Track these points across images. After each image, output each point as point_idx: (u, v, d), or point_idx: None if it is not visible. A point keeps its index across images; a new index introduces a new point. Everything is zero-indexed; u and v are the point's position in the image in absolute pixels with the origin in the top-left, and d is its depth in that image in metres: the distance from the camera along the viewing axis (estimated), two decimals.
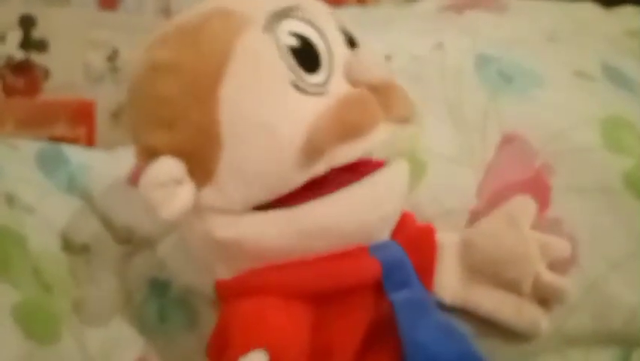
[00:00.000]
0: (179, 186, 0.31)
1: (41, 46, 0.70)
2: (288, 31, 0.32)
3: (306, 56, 0.32)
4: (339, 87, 0.32)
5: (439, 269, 0.39)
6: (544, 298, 0.38)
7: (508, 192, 0.41)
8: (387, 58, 0.50)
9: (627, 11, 0.53)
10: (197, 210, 0.32)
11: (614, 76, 0.45)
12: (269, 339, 0.30)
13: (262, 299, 0.31)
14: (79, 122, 0.73)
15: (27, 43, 0.69)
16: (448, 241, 0.39)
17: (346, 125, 0.31)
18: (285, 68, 0.31)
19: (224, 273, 0.34)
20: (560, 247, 0.38)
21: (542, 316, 0.37)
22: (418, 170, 0.42)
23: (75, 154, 0.54)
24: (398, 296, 0.33)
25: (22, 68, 0.69)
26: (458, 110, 0.44)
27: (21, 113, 0.70)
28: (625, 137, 0.41)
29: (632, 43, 0.49)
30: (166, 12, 0.73)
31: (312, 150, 0.30)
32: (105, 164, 0.53)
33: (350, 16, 0.58)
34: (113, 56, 0.72)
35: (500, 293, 0.38)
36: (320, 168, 0.31)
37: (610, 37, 0.49)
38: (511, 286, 0.37)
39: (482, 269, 0.38)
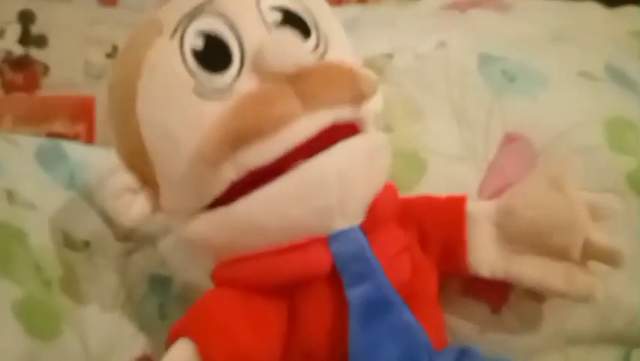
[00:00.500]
0: (136, 194, 0.34)
1: (40, 41, 0.69)
2: (196, 31, 0.31)
3: (212, 57, 0.31)
4: (248, 85, 0.31)
5: (474, 241, 0.36)
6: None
7: (509, 192, 0.40)
8: (390, 56, 0.50)
9: (631, 11, 0.53)
10: (168, 213, 0.35)
11: (618, 76, 0.45)
12: (201, 331, 0.31)
13: (218, 291, 0.34)
14: (78, 118, 0.73)
15: (26, 39, 0.69)
16: (481, 211, 0.37)
17: (237, 131, 0.30)
18: (187, 75, 0.31)
19: (204, 264, 0.36)
20: (610, 202, 0.36)
21: (597, 283, 0.35)
22: (418, 169, 0.42)
23: (75, 150, 0.54)
24: (354, 293, 0.32)
25: (21, 64, 0.69)
26: (461, 109, 0.44)
27: (20, 109, 0.70)
28: (628, 137, 0.41)
29: (636, 44, 0.49)
30: None
31: (205, 160, 0.30)
32: (105, 160, 0.53)
33: (351, 15, 0.58)
34: (112, 53, 0.72)
35: (547, 261, 0.35)
36: (230, 174, 0.31)
37: (613, 37, 0.49)
38: (559, 253, 0.35)
39: (525, 239, 0.36)
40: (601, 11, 0.54)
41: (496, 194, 0.41)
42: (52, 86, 0.71)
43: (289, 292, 0.33)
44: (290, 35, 0.31)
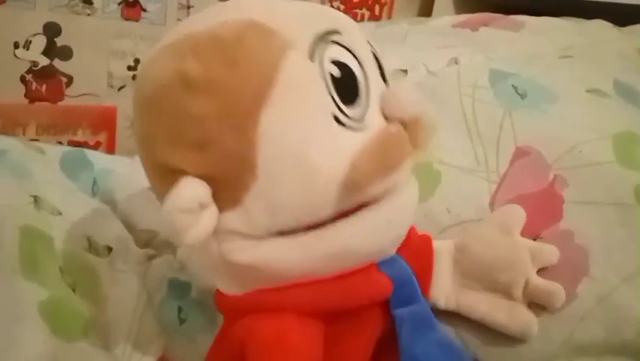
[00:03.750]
0: (204, 210, 0.29)
1: (65, 53, 0.71)
2: (330, 58, 0.30)
3: (346, 87, 0.31)
4: (374, 120, 0.31)
5: (436, 275, 0.39)
6: (535, 303, 0.38)
7: (521, 204, 0.41)
8: (404, 72, 0.51)
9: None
10: (215, 231, 0.30)
11: (626, 93, 0.46)
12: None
13: (281, 320, 0.31)
14: (100, 128, 0.74)
15: (51, 51, 0.70)
16: (443, 248, 0.40)
17: (386, 163, 0.30)
18: (329, 100, 0.30)
19: (232, 288, 0.33)
20: (550, 252, 0.39)
21: (534, 320, 0.38)
22: (432, 181, 0.43)
23: (98, 159, 0.55)
24: (402, 311, 0.34)
25: (46, 75, 0.71)
26: (473, 124, 0.45)
27: (43, 119, 0.71)
28: (637, 152, 0.41)
29: None
30: None
31: (350, 188, 0.29)
32: (127, 169, 0.54)
33: (366, 31, 0.59)
34: (134, 65, 0.74)
35: (493, 297, 0.38)
36: (355, 202, 0.30)
37: (622, 54, 0.50)
38: (502, 290, 0.38)
39: (475, 274, 0.39)
40: (610, 29, 0.54)
41: None
42: (75, 97, 0.73)
43: (331, 317, 0.32)
44: (413, 86, 0.33)
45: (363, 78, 0.31)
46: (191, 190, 0.29)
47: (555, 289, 0.38)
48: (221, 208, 0.30)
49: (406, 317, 0.34)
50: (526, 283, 0.38)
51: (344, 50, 0.31)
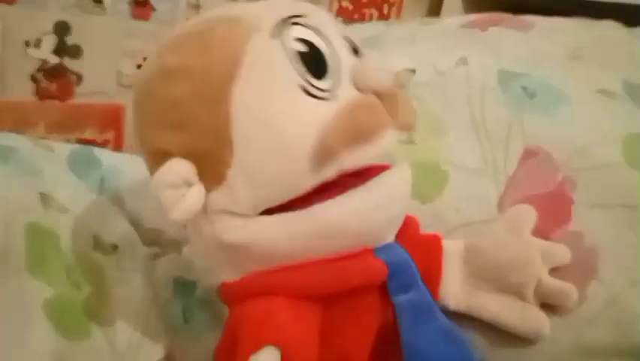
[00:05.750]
0: (190, 187, 0.31)
1: (75, 52, 0.72)
2: (294, 37, 0.32)
3: (314, 61, 0.32)
4: (346, 93, 0.32)
5: (445, 275, 0.39)
6: (552, 306, 0.38)
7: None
8: (412, 72, 0.51)
9: None
10: (205, 212, 0.32)
11: (636, 94, 0.45)
12: (280, 336, 0.30)
13: (270, 299, 0.32)
14: (108, 126, 0.75)
15: (61, 49, 0.71)
16: (452, 248, 0.40)
17: (357, 128, 0.31)
18: (294, 73, 0.31)
19: (230, 275, 0.34)
20: (561, 252, 0.39)
21: (546, 320, 0.38)
22: (440, 181, 0.43)
23: (106, 157, 0.55)
24: (401, 299, 0.34)
25: (56, 73, 0.71)
26: (481, 124, 0.45)
27: (53, 116, 0.72)
28: None
29: None
30: None
31: (323, 153, 0.30)
32: (134, 167, 0.54)
33: (375, 31, 0.59)
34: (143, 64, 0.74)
35: (503, 298, 0.38)
36: (330, 172, 0.31)
37: (632, 55, 0.49)
38: (514, 291, 0.38)
39: (486, 275, 0.39)
40: (620, 30, 0.54)
41: None
42: (84, 95, 0.73)
43: (327, 300, 0.33)
44: (378, 58, 0.34)
45: (331, 53, 0.33)
46: (174, 167, 0.32)
47: (567, 288, 0.38)
48: (208, 188, 0.32)
49: (406, 305, 0.34)
50: (538, 283, 0.38)
51: (308, 30, 0.33)
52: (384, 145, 0.32)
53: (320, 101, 0.31)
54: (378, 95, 0.32)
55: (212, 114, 0.31)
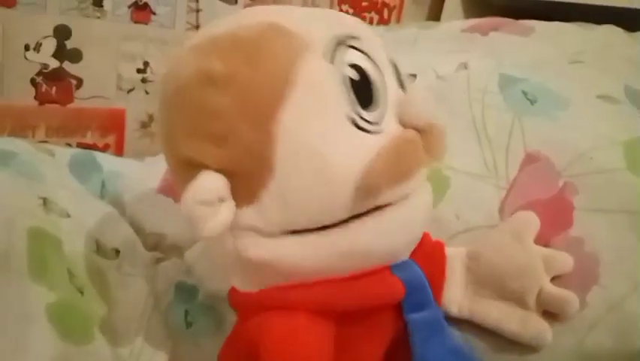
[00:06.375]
0: (222, 203, 0.30)
1: (75, 56, 0.71)
2: (348, 61, 0.31)
3: (364, 91, 0.31)
4: (390, 126, 0.32)
5: (448, 281, 0.39)
6: (548, 312, 0.38)
7: (530, 211, 0.41)
8: (413, 77, 0.51)
9: None
10: (231, 226, 0.31)
11: (638, 98, 0.46)
12: (304, 354, 0.30)
13: (291, 317, 0.31)
14: (109, 130, 0.75)
15: (61, 53, 0.71)
16: (455, 255, 0.40)
17: (400, 168, 0.30)
18: (345, 102, 0.30)
19: (247, 285, 0.33)
20: (564, 260, 0.39)
21: (547, 328, 0.38)
22: (441, 186, 0.43)
23: (107, 161, 0.55)
24: (415, 317, 0.34)
25: (56, 77, 0.71)
26: (482, 129, 0.45)
27: (53, 121, 0.72)
28: None
29: None
30: (196, 28, 0.75)
31: (365, 190, 0.30)
32: (135, 172, 0.55)
33: (381, 39, 0.59)
34: (144, 68, 0.74)
35: (505, 305, 0.38)
36: (367, 207, 0.31)
37: (633, 60, 0.49)
38: (516, 298, 0.38)
39: (488, 281, 0.39)
40: (621, 35, 0.54)
41: None
42: (85, 99, 0.73)
43: (342, 316, 0.32)
44: (429, 93, 0.34)
45: (381, 83, 0.32)
46: (211, 183, 0.30)
47: (569, 297, 0.38)
48: (238, 204, 0.31)
49: (419, 323, 0.34)
50: (540, 291, 0.38)
51: (362, 55, 0.32)
52: (417, 182, 0.32)
53: (366, 134, 0.30)
54: (419, 130, 0.32)
55: (255, 132, 0.29)
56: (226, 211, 0.30)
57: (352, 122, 0.30)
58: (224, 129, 0.30)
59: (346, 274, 0.32)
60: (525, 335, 0.38)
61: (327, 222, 0.31)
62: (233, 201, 0.30)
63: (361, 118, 0.30)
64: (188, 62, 0.31)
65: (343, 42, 0.31)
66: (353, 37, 0.32)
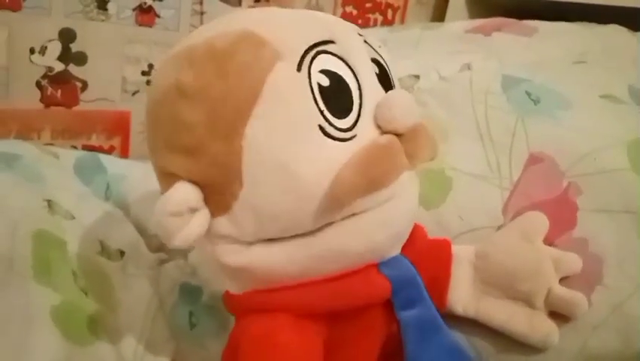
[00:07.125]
0: (195, 213, 0.30)
1: (80, 59, 0.72)
2: (319, 67, 0.30)
3: (337, 97, 0.30)
4: (366, 131, 0.31)
5: (454, 281, 0.39)
6: (556, 313, 0.38)
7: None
8: (416, 77, 0.51)
9: None
10: (208, 234, 0.31)
11: None
12: (278, 356, 0.30)
13: (272, 319, 0.31)
14: (114, 133, 0.75)
15: (66, 56, 0.71)
16: (462, 254, 0.40)
17: (371, 179, 0.30)
18: (315, 111, 0.30)
19: (233, 288, 0.34)
20: (573, 261, 0.38)
21: (555, 329, 0.37)
22: (444, 187, 0.43)
23: (112, 163, 0.55)
24: (407, 314, 0.33)
25: (61, 80, 0.71)
26: (485, 130, 0.45)
27: (58, 123, 0.72)
28: None
29: None
30: None
31: (334, 202, 0.29)
32: (140, 174, 0.55)
33: (378, 37, 0.59)
34: (148, 71, 0.74)
35: (513, 306, 0.38)
36: (339, 217, 0.30)
37: (637, 60, 0.49)
38: (524, 299, 0.38)
39: (496, 282, 0.39)
40: (625, 34, 0.54)
41: (520, 214, 0.41)
42: (90, 102, 0.73)
43: (331, 315, 0.32)
44: (409, 96, 0.32)
45: (357, 88, 0.31)
46: (181, 194, 0.30)
47: (578, 299, 0.37)
48: (213, 214, 0.31)
49: (411, 321, 0.33)
50: (548, 292, 0.37)
51: (336, 59, 0.31)
52: (397, 188, 0.31)
53: (337, 143, 0.30)
54: (397, 132, 0.31)
55: (224, 146, 0.30)
56: (198, 221, 0.30)
57: (322, 131, 0.30)
58: (195, 142, 0.30)
59: (328, 275, 0.31)
60: (533, 336, 0.38)
61: (298, 232, 0.31)
62: (207, 211, 0.31)
63: (331, 125, 0.30)
64: (165, 73, 0.32)
65: (315, 49, 0.31)
66: (328, 42, 0.31)
